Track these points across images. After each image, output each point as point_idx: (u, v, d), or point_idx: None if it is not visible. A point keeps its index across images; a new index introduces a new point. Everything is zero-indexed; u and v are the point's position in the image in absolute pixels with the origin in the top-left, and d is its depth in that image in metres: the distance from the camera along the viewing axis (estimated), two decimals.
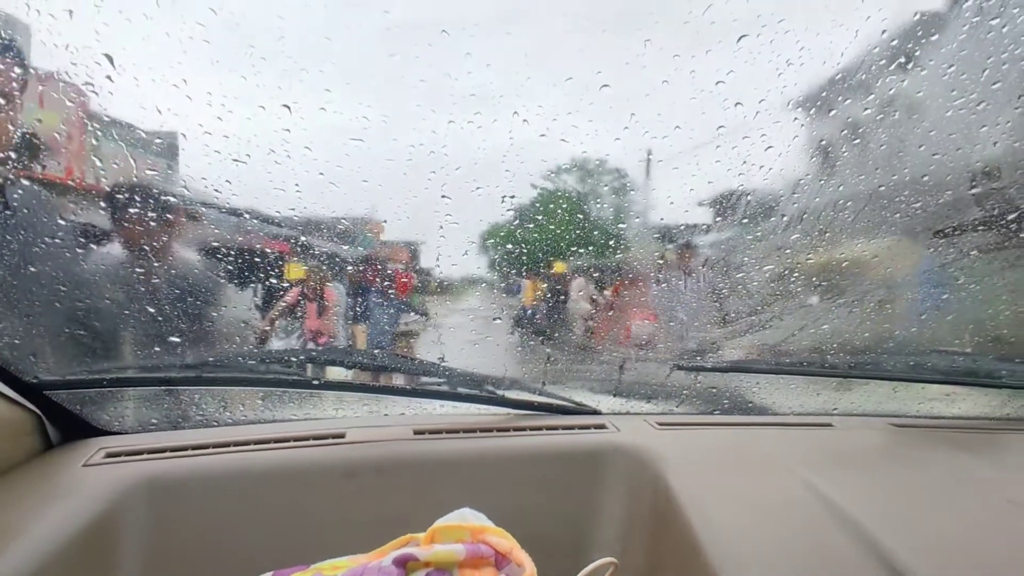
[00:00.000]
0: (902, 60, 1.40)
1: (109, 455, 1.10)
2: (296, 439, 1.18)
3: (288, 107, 1.34)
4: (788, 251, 1.89)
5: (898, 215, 1.76)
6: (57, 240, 1.56)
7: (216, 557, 1.03)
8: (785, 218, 1.77)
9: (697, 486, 1.06)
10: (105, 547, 0.95)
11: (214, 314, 1.97)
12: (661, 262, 2.04)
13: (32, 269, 1.50)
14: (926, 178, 1.66)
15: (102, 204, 1.59)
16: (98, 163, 1.42)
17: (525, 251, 1.87)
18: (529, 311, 2.16)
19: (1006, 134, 1.56)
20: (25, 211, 1.48)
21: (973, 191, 1.71)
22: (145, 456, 1.10)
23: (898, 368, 1.60)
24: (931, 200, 1.72)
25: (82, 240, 1.61)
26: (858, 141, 1.58)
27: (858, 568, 0.82)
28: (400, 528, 0.79)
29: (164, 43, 1.21)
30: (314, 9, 1.28)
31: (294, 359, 1.71)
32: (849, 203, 1.74)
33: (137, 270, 1.81)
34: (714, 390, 1.74)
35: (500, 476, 1.17)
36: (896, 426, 1.41)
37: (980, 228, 1.81)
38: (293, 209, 1.62)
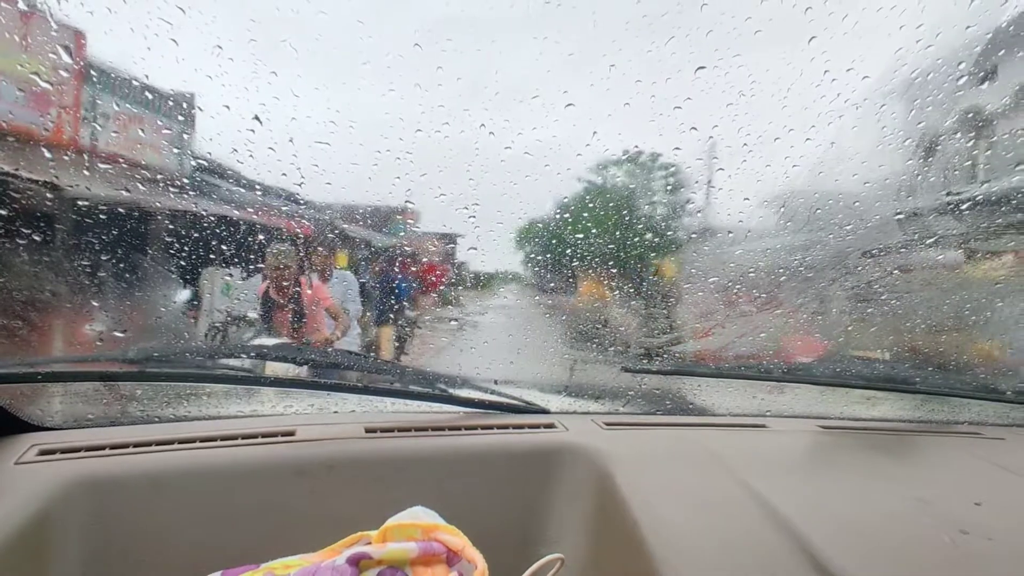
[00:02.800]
0: (839, 95, 1.52)
1: (43, 452, 1.05)
2: (244, 436, 1.14)
3: (264, 104, 1.32)
4: (732, 265, 2.01)
5: (832, 236, 1.91)
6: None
7: (161, 559, 1.00)
8: (731, 234, 1.88)
9: (642, 484, 1.09)
10: (40, 550, 0.91)
11: (161, 308, 1.91)
12: (614, 271, 2.12)
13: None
14: (857, 203, 1.81)
15: (47, 195, 1.52)
16: (47, 154, 1.36)
17: (485, 256, 1.91)
18: (487, 314, 2.20)
19: (927, 167, 1.72)
20: None
21: (898, 217, 1.87)
22: (83, 454, 1.05)
23: (826, 374, 1.69)
24: (861, 223, 1.87)
25: (24, 231, 1.53)
26: (798, 167, 1.71)
27: (785, 560, 0.89)
28: (352, 526, 0.80)
29: (127, 39, 1.18)
30: (286, 15, 1.27)
31: (243, 355, 1.68)
32: (789, 223, 1.87)
33: (82, 262, 1.75)
34: (658, 391, 1.80)
35: (451, 474, 1.18)
36: (823, 428, 1.50)
37: (902, 250, 1.98)
38: (252, 209, 1.60)
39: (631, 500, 1.05)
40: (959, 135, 1.68)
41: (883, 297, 2.06)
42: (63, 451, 1.05)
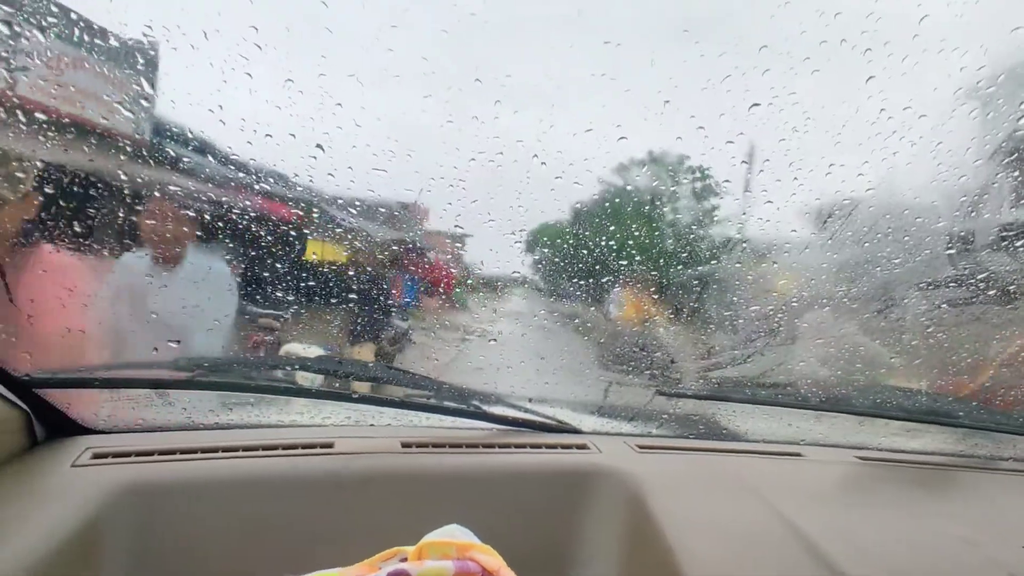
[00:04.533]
0: (894, 132, 1.52)
1: (96, 456, 1.10)
2: (285, 447, 1.18)
3: (327, 134, 1.38)
4: (775, 294, 2.00)
5: (879, 269, 1.89)
6: (75, 245, 1.55)
7: (203, 566, 1.04)
8: (776, 265, 1.88)
9: (676, 511, 1.11)
10: (92, 551, 0.95)
11: (216, 321, 1.97)
12: (655, 296, 2.13)
13: (42, 271, 1.49)
14: (907, 238, 1.79)
15: (122, 215, 1.59)
16: (123, 177, 1.43)
17: (528, 279, 1.94)
18: (525, 334, 2.22)
19: (982, 204, 1.70)
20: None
21: (948, 252, 1.84)
22: (133, 459, 1.09)
23: (865, 404, 1.66)
24: (910, 257, 1.85)
25: (96, 247, 1.60)
26: (848, 202, 1.70)
27: None
28: (387, 540, 0.83)
29: (206, 72, 1.24)
30: (353, 50, 1.32)
31: (285, 366, 1.72)
32: (836, 255, 1.86)
33: (147, 277, 1.83)
34: (695, 416, 1.80)
35: (485, 493, 1.20)
36: (861, 459, 1.48)
37: (951, 285, 1.95)
38: (308, 232, 1.66)
39: (665, 527, 1.06)
40: (1017, 173, 1.66)
41: (929, 330, 2.03)
42: (115, 455, 1.10)
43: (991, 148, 1.55)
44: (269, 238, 1.65)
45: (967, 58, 1.36)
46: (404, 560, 0.78)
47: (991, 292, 1.96)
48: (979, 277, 1.92)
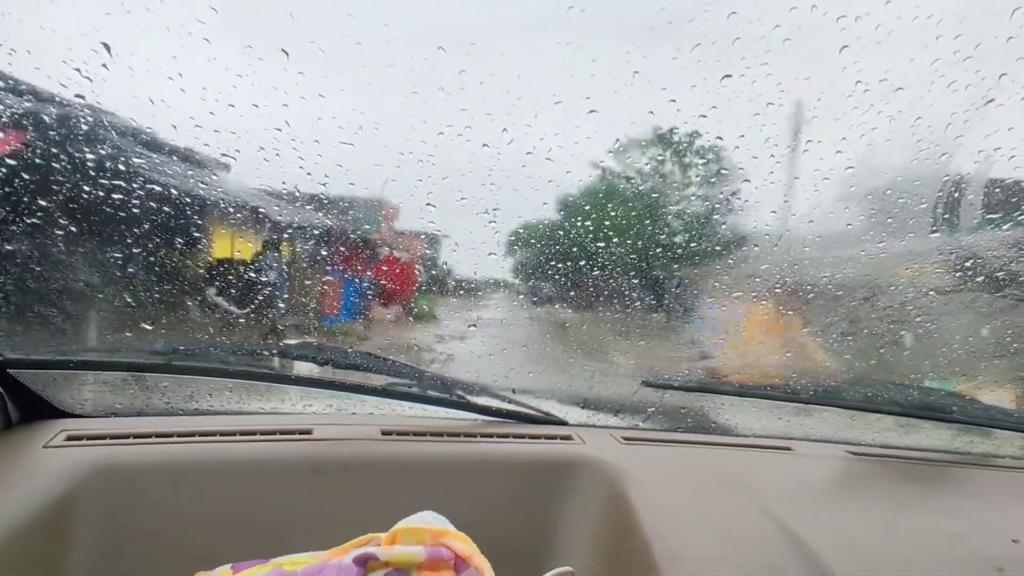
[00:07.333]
0: (872, 106, 1.48)
1: (70, 438, 1.10)
2: (263, 432, 1.18)
3: (286, 105, 1.36)
4: (758, 280, 1.96)
5: (863, 252, 1.85)
6: (35, 220, 1.54)
7: (175, 547, 1.03)
8: (756, 248, 1.84)
9: (658, 504, 1.08)
10: (62, 531, 0.95)
11: (189, 303, 1.95)
12: (635, 282, 2.10)
13: (8, 247, 1.48)
14: (891, 220, 1.75)
15: (85, 187, 1.58)
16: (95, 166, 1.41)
17: (506, 262, 1.91)
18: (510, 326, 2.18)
19: (965, 184, 1.66)
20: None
21: (933, 234, 1.80)
22: (108, 441, 1.10)
23: (856, 398, 1.63)
24: (894, 241, 1.81)
25: (61, 221, 1.59)
26: (828, 180, 1.66)
27: None
28: (363, 527, 0.81)
29: (163, 37, 1.23)
30: (315, 19, 1.30)
31: (265, 352, 1.71)
32: (818, 239, 1.82)
33: (115, 255, 1.81)
34: (682, 409, 1.77)
35: (465, 481, 1.19)
36: (852, 454, 1.45)
37: (938, 271, 1.90)
38: (278, 207, 1.64)
39: (646, 520, 1.04)
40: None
41: (917, 319, 1.98)
42: (89, 438, 1.10)
43: (972, 124, 1.51)
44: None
45: (943, 26, 1.32)
46: (377, 546, 0.76)
47: (979, 279, 1.91)
48: (966, 265, 1.88)
